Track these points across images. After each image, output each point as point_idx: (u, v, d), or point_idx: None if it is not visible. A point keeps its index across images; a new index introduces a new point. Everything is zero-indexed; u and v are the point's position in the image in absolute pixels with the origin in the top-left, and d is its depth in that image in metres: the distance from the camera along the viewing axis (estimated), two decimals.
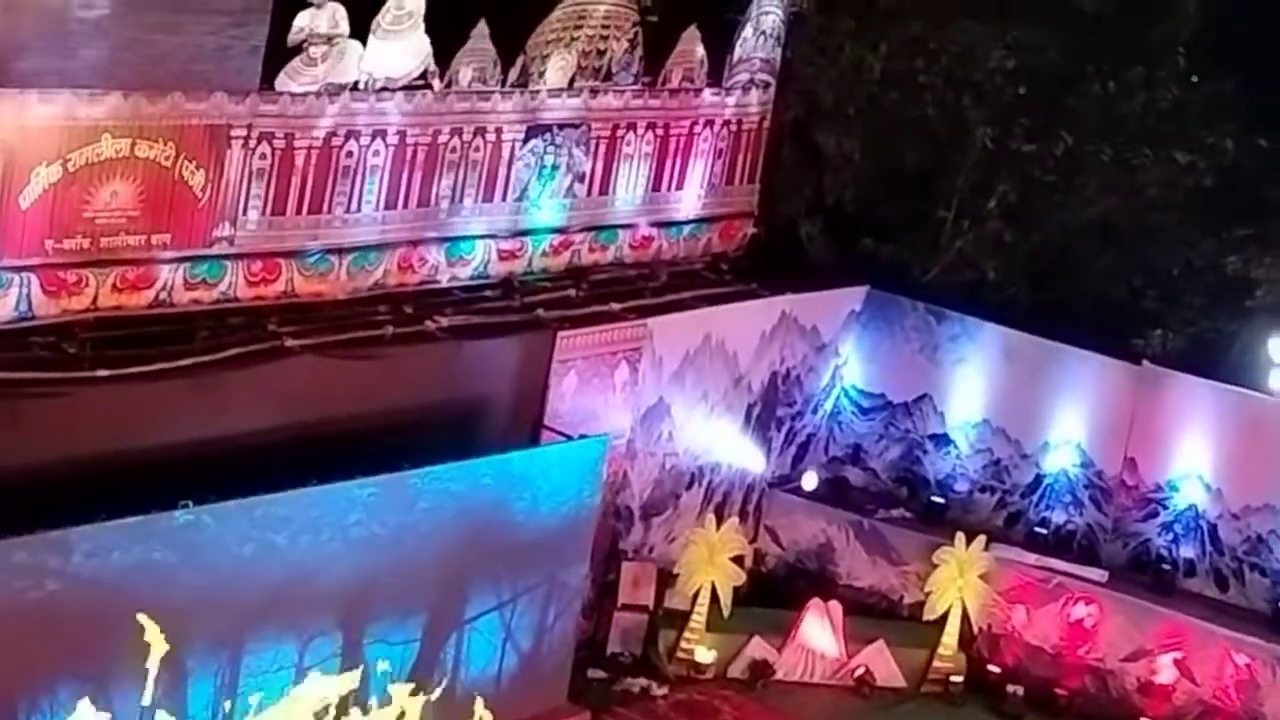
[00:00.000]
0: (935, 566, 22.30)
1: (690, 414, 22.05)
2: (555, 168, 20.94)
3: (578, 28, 20.68)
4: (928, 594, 22.32)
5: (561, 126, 20.88)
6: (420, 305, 19.49)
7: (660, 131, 22.21)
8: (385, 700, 17.33)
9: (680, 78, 22.25)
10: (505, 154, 20.26)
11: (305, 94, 18.07)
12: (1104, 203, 24.80)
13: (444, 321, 19.40)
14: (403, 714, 17.41)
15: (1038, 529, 23.24)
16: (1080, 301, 24.59)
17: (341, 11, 18.11)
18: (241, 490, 16.07)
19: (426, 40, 19.01)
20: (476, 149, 19.95)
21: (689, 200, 22.83)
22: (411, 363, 18.71)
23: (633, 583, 21.39)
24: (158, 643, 15.27)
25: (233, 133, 17.55)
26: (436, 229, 19.77)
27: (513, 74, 20.06)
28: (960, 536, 22.31)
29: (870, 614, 22.74)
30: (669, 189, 22.53)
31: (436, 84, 19.23)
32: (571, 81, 20.80)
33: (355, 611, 17.27)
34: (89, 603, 15.13)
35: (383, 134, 18.92)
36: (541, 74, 20.40)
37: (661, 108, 22.14)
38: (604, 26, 20.99)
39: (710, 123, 22.83)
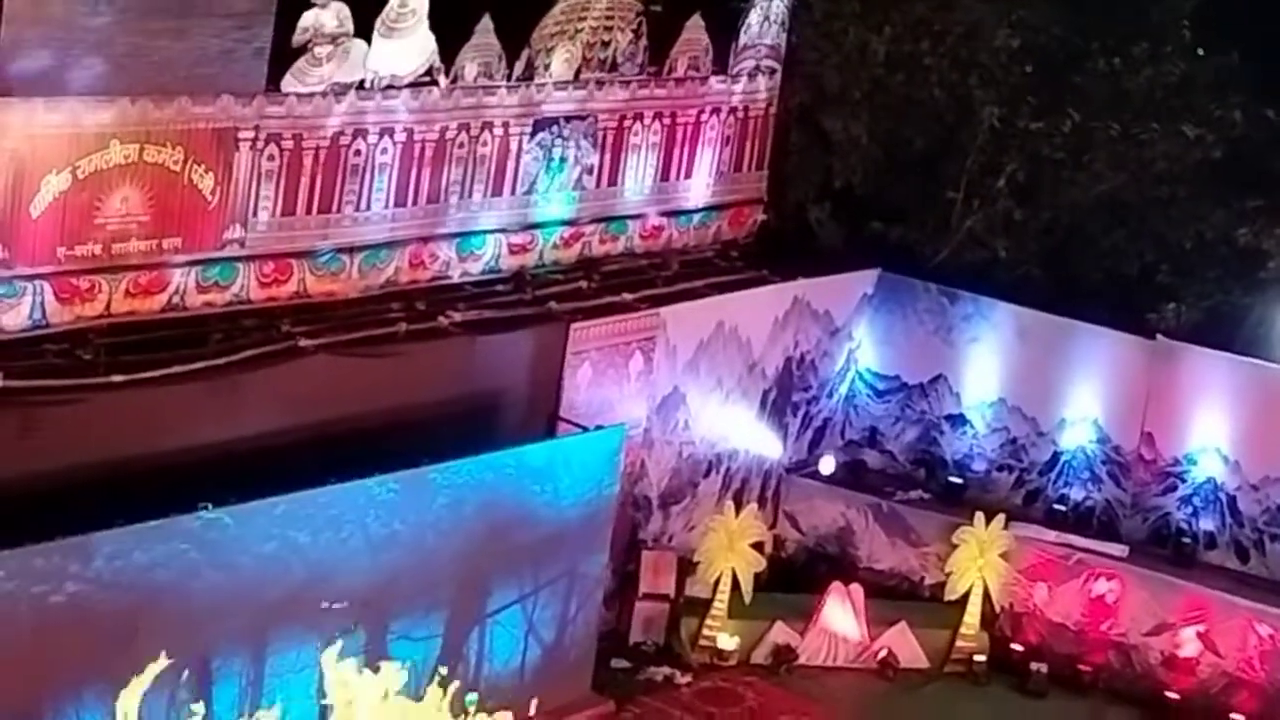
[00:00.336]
0: (955, 547, 22.33)
1: (706, 402, 22.06)
2: (563, 160, 20.96)
3: (581, 20, 20.70)
4: (948, 574, 22.34)
5: (568, 119, 20.90)
6: (433, 301, 19.53)
7: (667, 121, 22.23)
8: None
9: (686, 66, 22.27)
10: (513, 148, 20.31)
11: (312, 94, 18.11)
12: (1113, 178, 24.72)
13: (457, 317, 19.43)
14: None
15: (1056, 506, 23.22)
16: (1093, 277, 24.56)
17: (346, 11, 18.14)
18: (260, 491, 16.13)
19: (431, 37, 19.04)
20: (484, 144, 20.00)
21: (698, 188, 22.84)
22: (426, 359, 18.73)
23: (653, 572, 21.42)
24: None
25: (240, 135, 17.59)
26: (446, 225, 19.82)
27: (518, 68, 20.10)
28: (979, 516, 22.34)
29: (891, 596, 22.76)
30: (678, 178, 22.55)
31: (442, 80, 19.26)
32: (577, 74, 20.84)
33: (378, 608, 17.32)
34: (112, 606, 15.18)
35: (390, 132, 18.95)
36: (547, 67, 20.43)
37: (668, 97, 22.15)
38: (607, 17, 21.01)
39: (717, 110, 22.84)
